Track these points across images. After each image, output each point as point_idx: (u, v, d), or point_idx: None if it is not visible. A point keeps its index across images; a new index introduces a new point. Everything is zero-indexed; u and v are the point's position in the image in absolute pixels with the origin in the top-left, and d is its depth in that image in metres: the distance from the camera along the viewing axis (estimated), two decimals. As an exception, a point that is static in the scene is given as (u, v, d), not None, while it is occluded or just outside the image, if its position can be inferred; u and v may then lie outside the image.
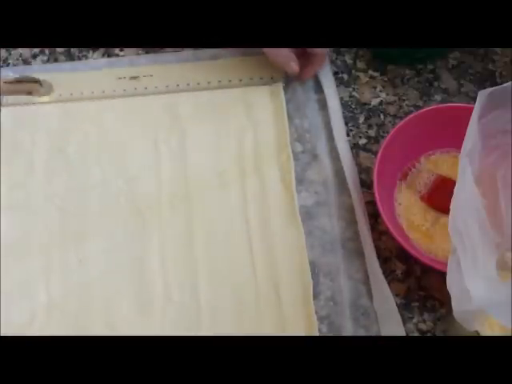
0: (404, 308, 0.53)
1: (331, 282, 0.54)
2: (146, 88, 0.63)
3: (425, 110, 0.58)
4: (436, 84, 0.64)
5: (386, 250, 0.56)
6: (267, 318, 0.53)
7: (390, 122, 0.62)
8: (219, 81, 0.63)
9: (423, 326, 0.53)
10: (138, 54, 0.66)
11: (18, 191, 0.58)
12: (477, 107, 0.44)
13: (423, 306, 0.53)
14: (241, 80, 0.63)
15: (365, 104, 0.63)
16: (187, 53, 0.65)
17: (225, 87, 0.63)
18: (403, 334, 0.52)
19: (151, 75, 0.63)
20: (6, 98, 0.63)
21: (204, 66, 0.64)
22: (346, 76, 0.64)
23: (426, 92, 0.63)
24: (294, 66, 0.60)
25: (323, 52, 0.61)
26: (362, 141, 0.61)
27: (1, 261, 0.54)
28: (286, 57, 0.59)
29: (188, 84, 0.63)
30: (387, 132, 0.60)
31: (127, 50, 0.66)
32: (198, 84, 0.63)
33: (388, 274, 0.54)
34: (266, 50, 0.60)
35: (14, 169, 0.59)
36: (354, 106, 0.63)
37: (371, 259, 0.54)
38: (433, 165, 0.59)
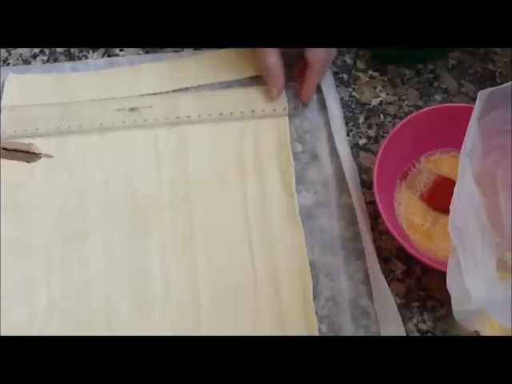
0: (404, 308, 0.53)
1: (331, 281, 0.54)
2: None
3: (425, 109, 0.58)
4: (436, 84, 0.64)
5: (386, 249, 0.56)
6: (267, 318, 0.53)
7: (389, 122, 0.62)
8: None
9: (423, 326, 0.53)
10: (138, 54, 0.66)
11: (18, 191, 0.58)
12: (477, 107, 0.44)
13: (423, 306, 0.53)
14: (243, 112, 0.62)
15: (365, 104, 0.63)
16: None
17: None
18: (403, 334, 0.52)
19: (151, 106, 0.62)
20: (6, 100, 0.63)
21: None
22: (345, 76, 0.64)
23: (426, 92, 0.63)
24: (274, 92, 0.60)
25: (319, 63, 0.59)
26: (362, 141, 0.61)
27: (1, 260, 0.54)
28: (274, 74, 0.59)
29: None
30: (387, 132, 0.60)
31: (127, 50, 0.66)
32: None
33: (388, 274, 0.54)
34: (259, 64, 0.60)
35: (14, 169, 0.59)
36: (353, 106, 0.63)
37: (371, 259, 0.54)
38: (433, 165, 0.59)
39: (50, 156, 0.51)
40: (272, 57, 0.58)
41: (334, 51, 0.61)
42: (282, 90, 0.61)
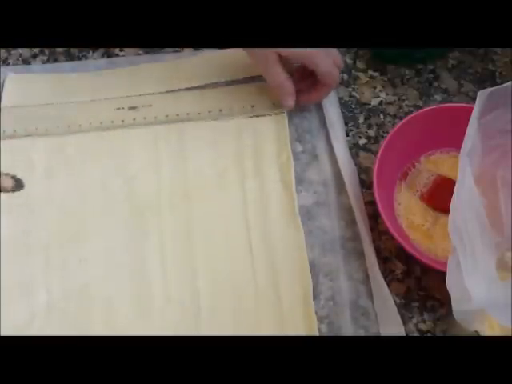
0: (404, 308, 0.53)
1: (331, 281, 0.54)
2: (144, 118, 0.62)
3: (425, 109, 0.58)
4: (436, 84, 0.64)
5: (385, 249, 0.56)
6: (267, 318, 0.53)
7: (389, 122, 0.62)
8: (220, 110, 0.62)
9: (423, 326, 0.53)
10: (138, 54, 0.66)
11: (18, 191, 0.58)
12: (477, 107, 0.44)
13: (423, 306, 0.53)
14: (243, 107, 0.62)
15: (365, 104, 0.63)
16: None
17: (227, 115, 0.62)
18: (403, 334, 0.51)
19: (150, 105, 0.62)
20: (6, 100, 0.63)
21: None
22: (345, 76, 0.64)
23: (425, 92, 0.63)
24: (289, 101, 0.59)
25: (331, 83, 0.58)
26: (362, 141, 0.61)
27: (1, 260, 0.54)
28: (284, 88, 0.58)
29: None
30: (387, 132, 0.60)
31: (127, 50, 0.66)
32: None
33: (388, 274, 0.54)
34: (266, 79, 0.59)
35: (13, 169, 0.59)
36: (353, 106, 0.63)
37: (371, 259, 0.54)
38: (433, 165, 0.59)
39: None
40: (280, 75, 0.57)
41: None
42: (294, 97, 0.59)
